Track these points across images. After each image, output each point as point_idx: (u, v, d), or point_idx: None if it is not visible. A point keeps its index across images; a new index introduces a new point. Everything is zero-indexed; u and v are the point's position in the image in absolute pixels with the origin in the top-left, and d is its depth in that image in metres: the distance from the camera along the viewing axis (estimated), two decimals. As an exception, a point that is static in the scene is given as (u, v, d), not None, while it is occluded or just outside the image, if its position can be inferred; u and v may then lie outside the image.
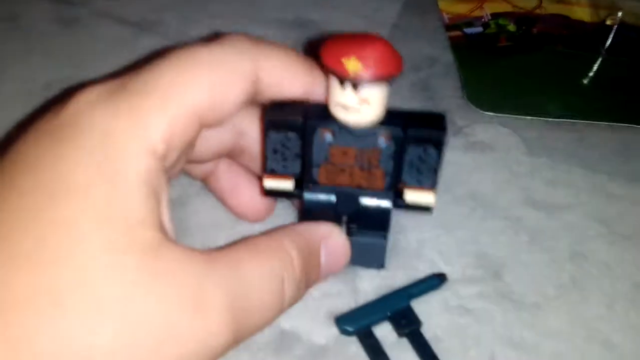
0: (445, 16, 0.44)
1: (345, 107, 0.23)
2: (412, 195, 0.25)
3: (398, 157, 0.24)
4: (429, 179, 0.25)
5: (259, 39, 0.23)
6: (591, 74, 0.39)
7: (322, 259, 0.25)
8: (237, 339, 0.20)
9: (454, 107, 0.37)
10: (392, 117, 0.24)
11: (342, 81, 0.22)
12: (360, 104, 0.23)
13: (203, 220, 0.31)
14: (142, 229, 0.19)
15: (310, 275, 0.24)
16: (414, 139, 0.24)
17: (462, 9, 0.44)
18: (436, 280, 0.28)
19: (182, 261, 0.19)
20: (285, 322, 0.27)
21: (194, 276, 0.19)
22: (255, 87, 0.23)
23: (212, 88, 0.21)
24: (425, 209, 0.26)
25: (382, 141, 0.24)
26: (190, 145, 0.22)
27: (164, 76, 0.21)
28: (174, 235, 0.21)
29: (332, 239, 0.25)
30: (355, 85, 0.22)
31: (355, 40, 0.22)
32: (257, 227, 0.30)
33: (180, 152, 0.21)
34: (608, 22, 0.41)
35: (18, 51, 0.40)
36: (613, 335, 0.27)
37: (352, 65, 0.21)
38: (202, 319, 0.19)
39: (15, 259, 0.18)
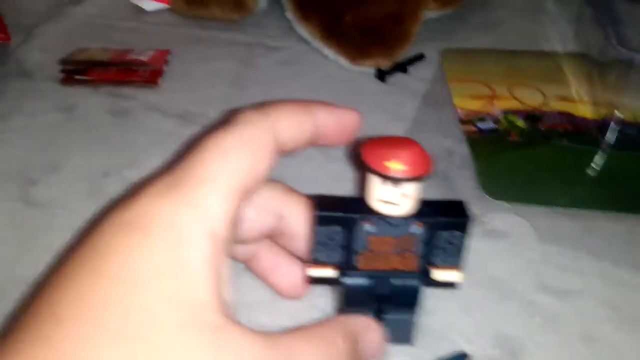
0: (460, 112, 0.48)
1: (386, 202, 0.26)
2: (440, 274, 0.29)
3: (429, 242, 0.28)
4: (455, 260, 0.28)
5: (265, 106, 0.27)
6: (595, 166, 0.43)
7: (367, 345, 0.28)
8: None
9: (470, 196, 0.41)
10: (422, 207, 0.27)
11: (383, 180, 0.26)
12: (401, 199, 0.26)
13: (246, 299, 0.34)
14: (207, 311, 0.22)
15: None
16: (444, 225, 0.27)
17: (474, 105, 0.48)
18: (462, 357, 0.31)
19: (243, 342, 0.22)
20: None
21: (253, 355, 0.22)
22: (277, 146, 0.26)
23: (245, 165, 0.25)
24: (451, 285, 0.29)
25: (416, 229, 0.27)
26: (238, 219, 0.25)
27: (208, 164, 0.24)
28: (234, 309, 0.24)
29: (371, 333, 0.28)
30: (395, 184, 0.26)
31: (392, 143, 0.26)
32: (295, 305, 0.33)
33: (234, 227, 0.24)
34: (608, 119, 0.45)
35: (76, 140, 0.44)
36: (623, 413, 0.30)
37: (394, 165, 0.25)
38: None
39: (103, 337, 0.21)
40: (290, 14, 0.55)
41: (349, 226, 0.27)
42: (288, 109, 0.27)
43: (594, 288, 0.36)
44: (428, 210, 0.27)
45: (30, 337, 0.21)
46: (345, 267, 0.28)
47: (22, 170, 0.41)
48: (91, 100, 0.48)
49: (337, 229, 0.27)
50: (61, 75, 0.49)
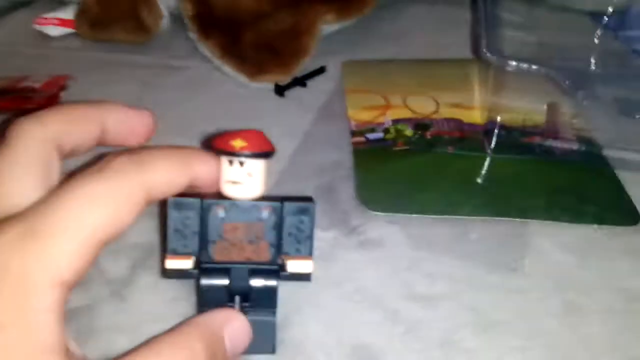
0: (352, 123, 0.48)
1: (233, 183, 0.28)
2: (293, 266, 0.30)
3: (279, 228, 0.30)
4: (306, 247, 0.30)
5: (140, 154, 0.27)
6: (482, 172, 0.44)
7: (227, 343, 0.28)
8: None
9: (351, 208, 0.42)
10: (271, 196, 0.30)
11: (230, 160, 0.28)
12: (246, 178, 0.28)
13: (106, 324, 0.34)
14: (50, 355, 0.22)
15: None
16: (291, 210, 0.30)
17: (367, 116, 0.49)
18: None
19: None
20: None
21: None
22: (148, 198, 0.26)
23: (109, 216, 0.25)
24: (305, 277, 0.31)
25: (265, 214, 0.29)
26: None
27: (67, 213, 0.24)
28: (77, 347, 0.25)
29: (233, 323, 0.29)
30: (241, 162, 0.28)
31: (239, 131, 0.29)
32: (158, 327, 0.33)
33: (85, 272, 0.25)
34: (492, 124, 0.46)
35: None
36: (471, 417, 0.30)
37: (238, 143, 0.28)
38: None
39: None
40: (192, 34, 0.56)
41: (201, 212, 0.29)
42: (164, 161, 0.27)
43: (460, 293, 0.36)
44: (276, 198, 0.30)
45: None
46: (202, 258, 0.29)
47: None
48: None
49: (191, 214, 0.29)
50: (-46, 107, 0.49)
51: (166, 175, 0.27)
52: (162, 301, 0.35)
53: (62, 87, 0.52)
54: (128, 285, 0.36)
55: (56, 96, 0.51)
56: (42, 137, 0.26)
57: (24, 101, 0.49)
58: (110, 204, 0.25)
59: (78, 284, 0.25)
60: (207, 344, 0.26)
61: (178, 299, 0.35)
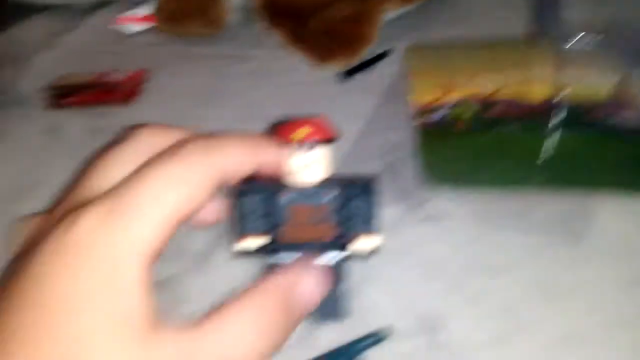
0: (415, 105, 0.50)
1: (298, 169, 0.30)
2: (357, 244, 0.31)
3: (342, 210, 0.31)
4: (369, 227, 0.31)
5: (213, 140, 0.29)
6: (545, 148, 0.45)
7: (300, 297, 0.29)
8: None
9: (415, 185, 0.43)
10: (333, 178, 0.31)
11: (295, 148, 0.29)
12: (310, 164, 0.30)
13: (189, 295, 0.37)
14: (138, 319, 0.25)
15: (292, 317, 0.29)
16: (353, 191, 0.30)
17: (429, 97, 0.50)
18: (380, 335, 0.34)
19: (175, 340, 0.25)
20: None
21: (186, 349, 0.25)
22: (220, 181, 0.28)
23: (185, 196, 0.27)
24: (369, 254, 0.31)
25: (328, 197, 0.30)
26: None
27: (144, 193, 0.26)
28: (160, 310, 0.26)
29: (306, 278, 0.30)
30: (305, 149, 0.29)
31: (300, 119, 0.30)
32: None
33: (165, 245, 0.27)
34: (555, 101, 0.46)
35: (58, 160, 0.48)
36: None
37: (302, 131, 0.29)
38: None
39: None
40: (261, 24, 0.59)
41: (268, 197, 0.30)
42: (235, 147, 0.29)
43: (522, 265, 0.38)
44: (338, 180, 0.31)
45: None
46: (270, 240, 0.31)
47: (8, 189, 0.45)
48: (73, 121, 0.52)
49: (258, 198, 0.31)
50: (47, 101, 0.54)
51: (236, 160, 0.29)
52: (240, 272, 0.38)
53: (142, 80, 0.56)
54: (208, 259, 0.39)
55: (137, 89, 0.54)
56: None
57: (108, 94, 0.54)
58: (185, 184, 0.27)
59: (157, 259, 0.27)
60: (281, 300, 0.28)
61: (254, 271, 0.38)
